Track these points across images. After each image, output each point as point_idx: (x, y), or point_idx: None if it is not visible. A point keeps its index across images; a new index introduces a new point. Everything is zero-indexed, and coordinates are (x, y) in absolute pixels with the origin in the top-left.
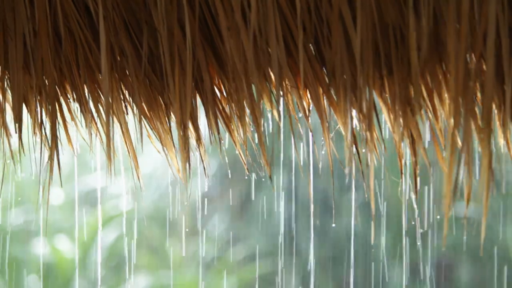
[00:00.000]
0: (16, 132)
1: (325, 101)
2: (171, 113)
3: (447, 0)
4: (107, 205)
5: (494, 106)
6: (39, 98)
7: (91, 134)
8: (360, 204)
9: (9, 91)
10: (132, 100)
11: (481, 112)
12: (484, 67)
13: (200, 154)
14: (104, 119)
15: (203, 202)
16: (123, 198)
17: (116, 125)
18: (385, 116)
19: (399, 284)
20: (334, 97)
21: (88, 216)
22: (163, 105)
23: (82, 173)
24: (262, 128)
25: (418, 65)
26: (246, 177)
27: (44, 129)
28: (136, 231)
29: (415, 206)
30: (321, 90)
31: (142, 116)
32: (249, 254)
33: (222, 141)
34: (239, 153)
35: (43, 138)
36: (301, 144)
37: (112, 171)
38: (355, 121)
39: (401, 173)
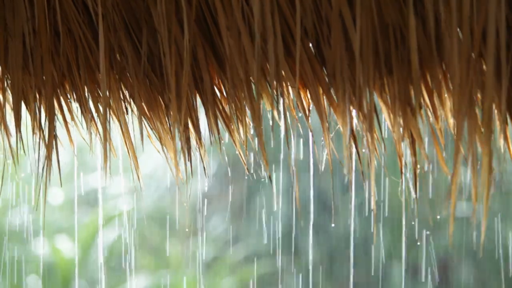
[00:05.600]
0: (16, 132)
1: (325, 101)
2: (171, 113)
3: (447, 0)
4: (107, 205)
5: (494, 106)
6: (38, 97)
7: (91, 134)
8: (359, 204)
9: (8, 91)
10: (132, 100)
11: (481, 112)
12: (484, 67)
13: (200, 154)
14: (103, 119)
15: (203, 202)
16: (123, 198)
17: (116, 125)
18: (385, 116)
19: (398, 284)
20: (334, 97)
21: (88, 216)
22: (163, 105)
23: (82, 173)
24: (262, 128)
25: (418, 65)
26: (246, 177)
27: (44, 128)
28: (136, 231)
29: (415, 205)
30: (321, 90)
31: (142, 116)
32: (249, 254)
33: (222, 141)
34: (239, 153)
35: (43, 137)
36: (301, 144)
37: (111, 171)
38: (355, 121)
39: (401, 173)
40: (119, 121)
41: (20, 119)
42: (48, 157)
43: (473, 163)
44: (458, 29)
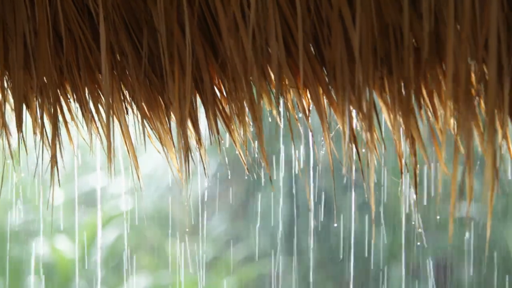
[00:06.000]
0: (16, 132)
1: (325, 101)
2: (171, 113)
3: (447, 0)
4: (107, 205)
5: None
6: (39, 98)
7: (91, 134)
8: (360, 204)
9: (9, 91)
10: (132, 100)
11: (484, 112)
12: (484, 67)
13: (200, 154)
14: (104, 119)
15: (203, 202)
16: (123, 198)
17: (116, 125)
18: (385, 116)
19: (398, 284)
20: (334, 97)
21: (88, 216)
22: (163, 105)
23: (82, 173)
24: (262, 128)
25: (418, 65)
26: (246, 177)
27: (44, 129)
28: (136, 231)
29: (415, 206)
30: (321, 90)
31: (142, 116)
32: (249, 254)
33: (222, 141)
34: (239, 153)
35: (44, 138)
36: (301, 144)
37: (112, 171)
38: (355, 121)
39: (401, 173)
40: (119, 121)
41: (21, 120)
42: (53, 158)
43: (470, 162)
44: (457, 29)
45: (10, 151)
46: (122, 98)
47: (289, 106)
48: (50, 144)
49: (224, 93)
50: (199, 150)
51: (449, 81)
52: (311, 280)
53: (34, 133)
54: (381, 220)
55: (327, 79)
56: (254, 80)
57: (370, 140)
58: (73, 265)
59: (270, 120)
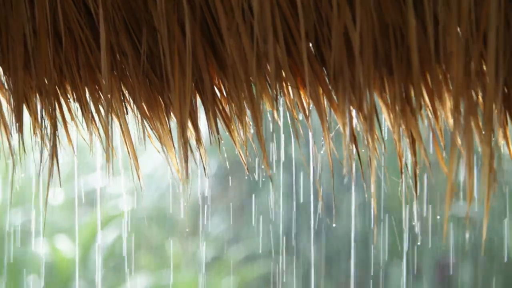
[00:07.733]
0: (16, 132)
1: (325, 101)
2: (171, 113)
3: (447, 0)
4: (107, 205)
5: (494, 106)
6: (39, 98)
7: (91, 134)
8: (360, 204)
9: (9, 91)
10: (132, 100)
11: (482, 112)
12: (484, 67)
13: (200, 154)
14: (104, 119)
15: (203, 202)
16: (123, 198)
17: (116, 125)
18: (385, 116)
19: (398, 284)
20: (334, 97)
21: (88, 216)
22: (163, 105)
23: (82, 173)
24: (262, 128)
25: (418, 65)
26: (246, 177)
27: (45, 129)
28: (136, 231)
29: (415, 206)
30: (321, 90)
31: (142, 116)
32: (249, 254)
33: (222, 141)
34: (239, 153)
35: (43, 138)
36: (301, 144)
37: (112, 171)
38: (355, 121)
39: (401, 173)
40: (119, 121)
41: (22, 120)
42: (53, 157)
43: (470, 162)
44: (458, 29)
45: (11, 151)
46: (122, 98)
47: (289, 106)
48: (50, 144)
49: (224, 93)
50: (199, 150)
51: (449, 81)
52: (311, 280)
53: (34, 133)
54: (381, 220)
55: (327, 79)
56: (254, 80)
57: (370, 140)
58: (73, 265)
59: (270, 119)
